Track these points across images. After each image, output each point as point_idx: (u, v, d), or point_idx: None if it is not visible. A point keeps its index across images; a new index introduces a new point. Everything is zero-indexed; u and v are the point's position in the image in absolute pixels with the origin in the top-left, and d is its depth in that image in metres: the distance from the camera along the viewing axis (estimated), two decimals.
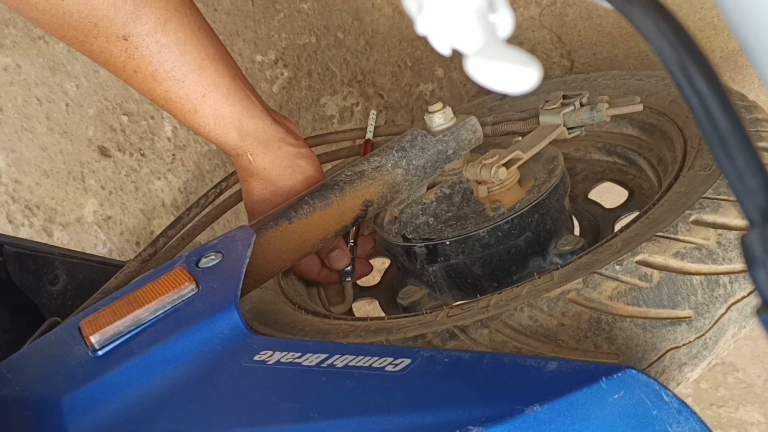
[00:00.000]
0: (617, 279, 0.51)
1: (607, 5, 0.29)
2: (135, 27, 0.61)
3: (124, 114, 1.16)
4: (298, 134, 0.71)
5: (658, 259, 0.51)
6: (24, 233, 1.19)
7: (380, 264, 0.84)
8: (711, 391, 1.03)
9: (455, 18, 0.32)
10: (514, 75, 0.29)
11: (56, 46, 1.14)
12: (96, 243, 1.21)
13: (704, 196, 0.54)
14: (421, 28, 0.32)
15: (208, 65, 0.65)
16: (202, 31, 0.65)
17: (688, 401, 1.05)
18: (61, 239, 1.20)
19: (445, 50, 0.33)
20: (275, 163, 0.68)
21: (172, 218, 1.21)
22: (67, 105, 1.16)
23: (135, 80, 0.65)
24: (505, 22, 0.32)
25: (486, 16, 0.31)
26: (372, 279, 0.81)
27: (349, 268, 0.73)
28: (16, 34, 1.14)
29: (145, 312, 0.51)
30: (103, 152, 1.18)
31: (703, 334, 0.51)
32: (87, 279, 0.76)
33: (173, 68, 0.64)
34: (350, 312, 0.76)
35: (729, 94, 0.27)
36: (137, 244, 1.23)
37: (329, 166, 0.89)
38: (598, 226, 0.72)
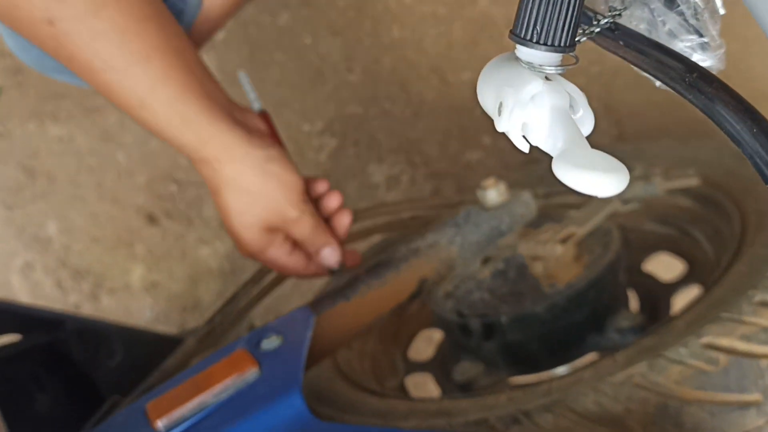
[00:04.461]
0: (683, 363, 0.50)
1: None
2: (60, 10, 0.56)
3: (173, 182, 1.19)
4: (262, 131, 0.67)
5: (724, 341, 0.51)
6: (73, 298, 1.21)
7: (437, 336, 0.83)
8: None
9: (533, 119, 0.32)
10: (601, 182, 0.29)
11: (109, 118, 1.17)
12: (143, 308, 1.22)
13: None
14: (501, 126, 0.33)
15: (157, 57, 0.60)
16: (150, 22, 0.60)
17: None
18: (108, 304, 1.21)
19: (524, 148, 0.33)
20: (244, 172, 0.64)
21: (219, 284, 1.22)
22: (118, 174, 1.19)
23: (74, 69, 0.60)
24: (587, 122, 0.32)
25: (567, 115, 0.32)
26: (425, 353, 0.80)
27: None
28: (71, 107, 1.18)
29: (209, 396, 0.52)
30: (152, 219, 1.20)
31: None
32: (143, 353, 0.77)
33: (112, 58, 0.59)
34: (402, 386, 0.76)
35: None
36: (184, 309, 1.24)
37: (378, 237, 0.90)
38: (656, 299, 0.71)
